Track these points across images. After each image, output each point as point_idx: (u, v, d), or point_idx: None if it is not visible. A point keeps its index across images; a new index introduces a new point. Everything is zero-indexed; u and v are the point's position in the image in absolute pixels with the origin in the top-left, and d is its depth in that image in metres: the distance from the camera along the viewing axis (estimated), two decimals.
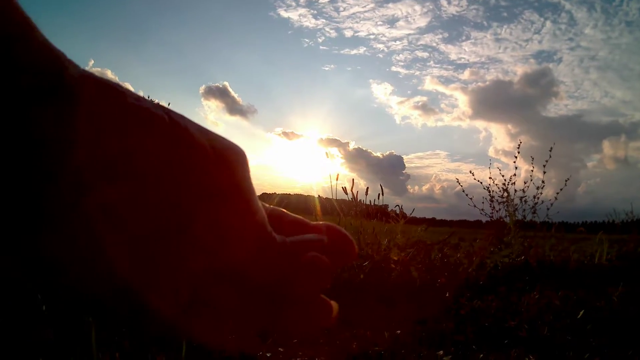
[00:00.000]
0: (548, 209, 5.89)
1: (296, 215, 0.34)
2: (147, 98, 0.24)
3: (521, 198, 6.07)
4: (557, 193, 5.93)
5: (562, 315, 2.87)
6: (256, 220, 0.27)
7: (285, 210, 0.34)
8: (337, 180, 4.75)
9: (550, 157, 6.03)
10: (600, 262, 4.26)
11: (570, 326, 2.71)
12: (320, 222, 0.33)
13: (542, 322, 2.74)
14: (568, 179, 6.01)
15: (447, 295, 3.21)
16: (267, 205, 0.32)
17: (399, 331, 2.57)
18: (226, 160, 0.25)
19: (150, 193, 0.21)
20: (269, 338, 2.31)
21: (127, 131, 0.21)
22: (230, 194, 0.25)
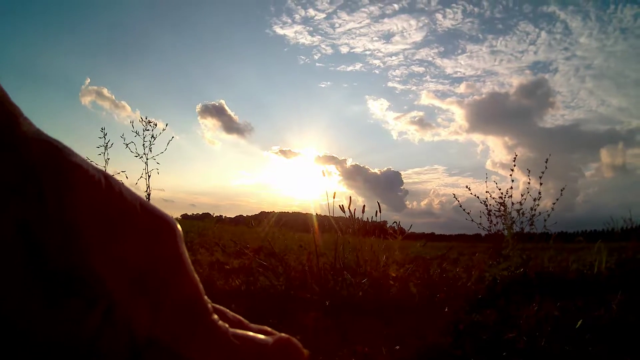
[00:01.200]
0: (545, 220, 5.90)
1: (241, 318, 0.34)
2: (89, 161, 0.24)
3: (518, 210, 6.08)
4: (554, 203, 5.93)
5: (560, 325, 2.87)
6: (187, 292, 0.26)
7: (228, 311, 0.33)
8: (334, 198, 4.77)
9: (546, 168, 6.06)
10: (599, 271, 4.26)
11: (568, 336, 2.71)
12: (273, 334, 0.33)
13: (540, 334, 2.74)
14: (563, 188, 6.08)
15: (445, 310, 3.21)
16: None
17: (397, 347, 2.57)
18: (157, 229, 0.25)
19: (80, 249, 0.22)
20: None
21: (61, 188, 0.22)
22: (159, 264, 0.24)
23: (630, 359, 2.50)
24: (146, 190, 11.27)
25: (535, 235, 5.92)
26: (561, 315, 3.04)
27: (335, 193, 4.79)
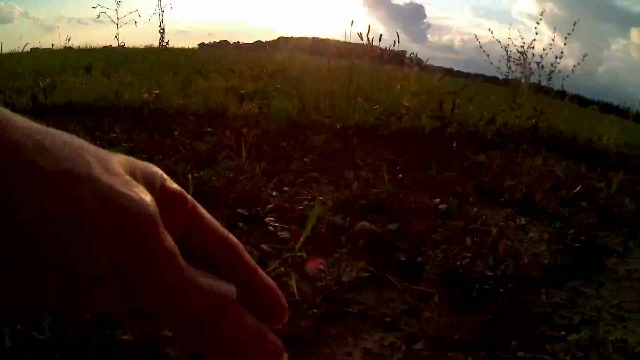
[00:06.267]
0: (564, 79, 5.84)
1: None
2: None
3: (538, 63, 5.98)
4: (575, 65, 5.92)
5: (560, 185, 2.86)
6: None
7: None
8: (351, 25, 4.56)
9: (573, 30, 5.87)
10: (608, 145, 4.19)
11: (565, 198, 2.72)
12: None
13: (539, 188, 2.74)
14: (586, 54, 6.00)
15: (453, 145, 3.14)
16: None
17: (400, 175, 2.53)
18: (123, 227, 0.21)
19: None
20: None
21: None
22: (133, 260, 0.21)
23: (616, 236, 2.58)
24: (160, 26, 10.16)
25: (552, 91, 5.90)
26: (563, 176, 3.02)
27: (352, 21, 4.57)
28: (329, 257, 1.81)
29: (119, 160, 0.23)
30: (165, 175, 0.26)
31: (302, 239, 1.68)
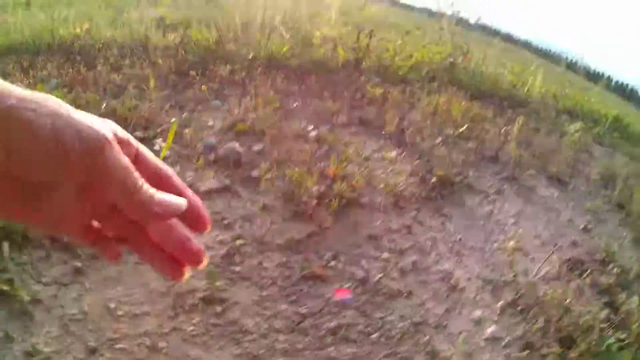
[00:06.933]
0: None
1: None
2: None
3: None
4: None
5: (449, 124, 3.10)
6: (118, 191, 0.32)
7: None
8: None
9: None
10: (530, 92, 4.34)
11: (450, 136, 2.95)
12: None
13: (424, 125, 2.96)
14: None
15: (361, 77, 3.30)
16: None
17: (296, 104, 2.74)
18: (87, 149, 0.29)
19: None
20: None
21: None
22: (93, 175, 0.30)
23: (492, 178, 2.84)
24: None
25: (479, 26, 5.73)
26: (459, 116, 3.22)
27: None
28: (193, 170, 2.07)
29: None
30: (116, 125, 0.33)
31: (163, 152, 1.94)
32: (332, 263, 1.75)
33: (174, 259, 0.36)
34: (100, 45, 3.51)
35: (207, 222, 0.37)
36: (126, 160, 0.31)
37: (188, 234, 0.36)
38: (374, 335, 1.54)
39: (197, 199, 0.36)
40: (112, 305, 1.38)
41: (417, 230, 2.10)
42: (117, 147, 0.31)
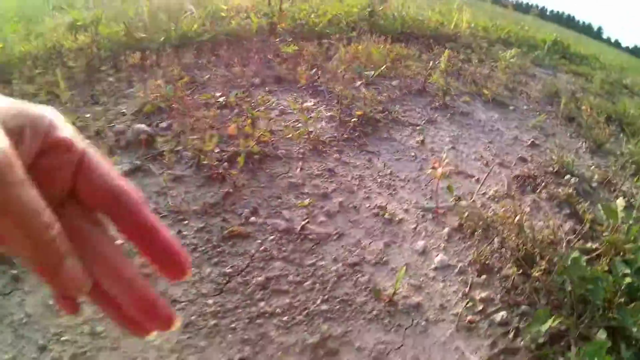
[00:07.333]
0: None
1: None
2: None
3: None
4: None
5: (368, 67, 3.13)
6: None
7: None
8: None
9: None
10: (458, 28, 4.39)
11: (367, 78, 3.00)
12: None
13: (343, 72, 2.99)
14: None
15: (277, 40, 3.32)
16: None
17: (207, 76, 2.75)
18: None
19: None
20: None
21: None
22: None
23: (422, 109, 2.89)
24: None
25: None
26: (380, 58, 3.25)
27: None
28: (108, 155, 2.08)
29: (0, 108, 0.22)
30: (56, 123, 0.24)
31: None
32: (252, 219, 1.74)
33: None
34: (16, 61, 3.47)
35: (185, 268, 0.27)
36: (32, 195, 0.21)
37: (153, 292, 0.27)
38: (307, 283, 1.52)
39: (169, 236, 0.27)
40: (51, 303, 1.41)
41: (341, 171, 2.08)
42: (19, 170, 0.21)
